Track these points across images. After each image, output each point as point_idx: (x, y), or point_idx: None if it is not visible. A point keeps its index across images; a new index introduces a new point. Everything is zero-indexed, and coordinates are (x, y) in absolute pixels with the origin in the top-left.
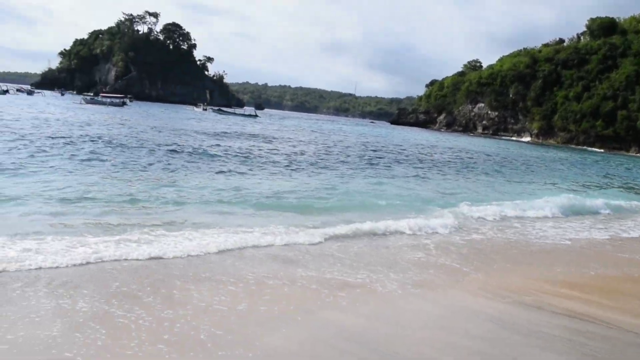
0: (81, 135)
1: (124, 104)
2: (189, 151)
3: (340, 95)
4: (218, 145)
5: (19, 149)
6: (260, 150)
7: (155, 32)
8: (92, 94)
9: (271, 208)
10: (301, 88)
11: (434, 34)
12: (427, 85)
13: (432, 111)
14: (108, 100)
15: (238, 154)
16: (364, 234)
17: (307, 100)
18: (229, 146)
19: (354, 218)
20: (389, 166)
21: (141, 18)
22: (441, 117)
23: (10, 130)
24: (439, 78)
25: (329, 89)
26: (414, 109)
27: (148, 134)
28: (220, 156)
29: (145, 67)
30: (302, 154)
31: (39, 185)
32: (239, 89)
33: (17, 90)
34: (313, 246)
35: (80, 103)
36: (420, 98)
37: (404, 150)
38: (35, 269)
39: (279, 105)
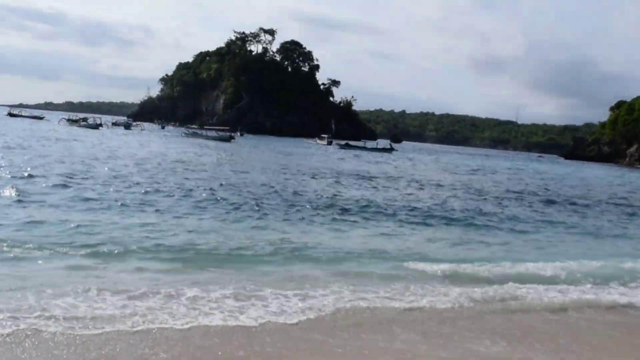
0: (177, 182)
1: (231, 138)
2: (307, 198)
3: (498, 123)
4: (340, 191)
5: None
6: (399, 196)
7: (271, 53)
8: (195, 126)
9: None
10: (448, 115)
11: (618, 43)
12: (611, 109)
13: (619, 141)
14: (213, 133)
15: (370, 204)
16: None
17: (455, 130)
18: (363, 194)
19: None
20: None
21: (255, 36)
22: (632, 149)
23: (109, 170)
24: (628, 98)
25: (483, 115)
26: (595, 138)
27: (257, 175)
28: (351, 208)
29: (259, 93)
30: (465, 207)
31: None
32: (371, 117)
33: (113, 123)
34: None
35: (182, 136)
36: (602, 125)
37: (628, 202)
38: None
39: (420, 137)
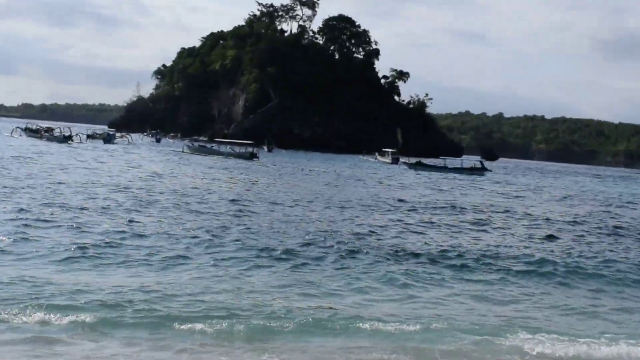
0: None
1: (253, 156)
2: (365, 244)
3: (638, 131)
4: (410, 233)
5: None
6: (496, 239)
7: (311, 33)
8: (204, 138)
9: None
10: (564, 120)
11: None
12: None
13: None
14: (228, 149)
15: (454, 250)
16: None
17: (574, 142)
18: (443, 237)
19: None
20: None
21: (287, 11)
22: None
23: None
24: None
25: (615, 120)
26: None
27: (294, 210)
28: (427, 257)
29: (293, 91)
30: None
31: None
32: (453, 124)
33: (89, 136)
34: None
35: (183, 151)
36: None
37: None
38: None
39: (523, 151)
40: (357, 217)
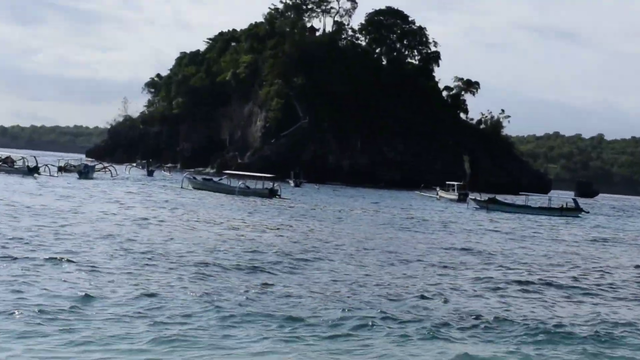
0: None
1: (273, 193)
2: (428, 314)
3: None
4: (490, 297)
5: None
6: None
7: (350, 32)
8: (211, 170)
9: None
10: None
11: None
12: None
13: None
14: (240, 185)
15: (544, 325)
16: None
17: None
18: (532, 309)
19: None
20: None
21: (319, 3)
22: None
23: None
24: None
25: None
26: None
27: (335, 272)
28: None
29: (327, 108)
30: None
31: None
32: (538, 148)
33: (60, 167)
34: None
35: (182, 187)
36: None
37: None
38: None
39: (632, 184)
40: (424, 275)
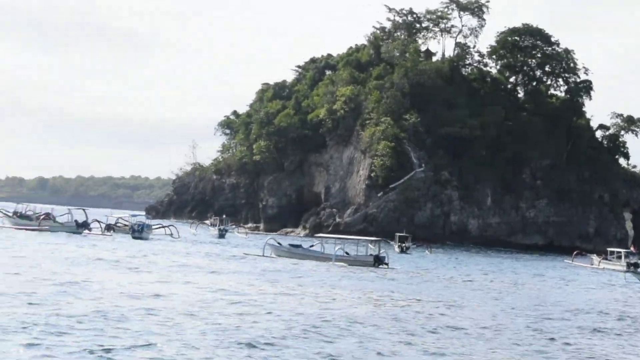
0: None
1: (379, 261)
2: None
3: None
4: None
5: None
6: None
7: (477, 56)
8: (303, 232)
9: None
10: None
11: None
12: None
13: None
14: (337, 252)
15: None
16: None
17: None
18: None
19: None
20: None
21: (437, 20)
22: None
23: None
24: None
25: None
26: None
27: None
28: None
29: (449, 153)
30: None
31: None
32: None
33: (109, 226)
34: None
35: (263, 255)
36: None
37: None
38: None
39: None
40: None
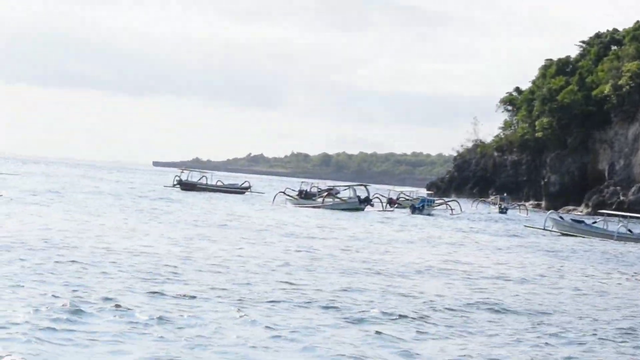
0: None
1: None
2: None
3: None
4: None
5: None
6: None
7: None
8: (584, 209)
9: None
10: None
11: None
12: None
13: None
14: (620, 230)
15: None
16: None
17: None
18: None
19: None
20: None
21: None
22: None
23: None
24: None
25: None
26: None
27: None
28: None
29: None
30: None
31: None
32: None
33: (391, 201)
34: None
35: (544, 229)
36: None
37: None
38: None
39: None
40: None
